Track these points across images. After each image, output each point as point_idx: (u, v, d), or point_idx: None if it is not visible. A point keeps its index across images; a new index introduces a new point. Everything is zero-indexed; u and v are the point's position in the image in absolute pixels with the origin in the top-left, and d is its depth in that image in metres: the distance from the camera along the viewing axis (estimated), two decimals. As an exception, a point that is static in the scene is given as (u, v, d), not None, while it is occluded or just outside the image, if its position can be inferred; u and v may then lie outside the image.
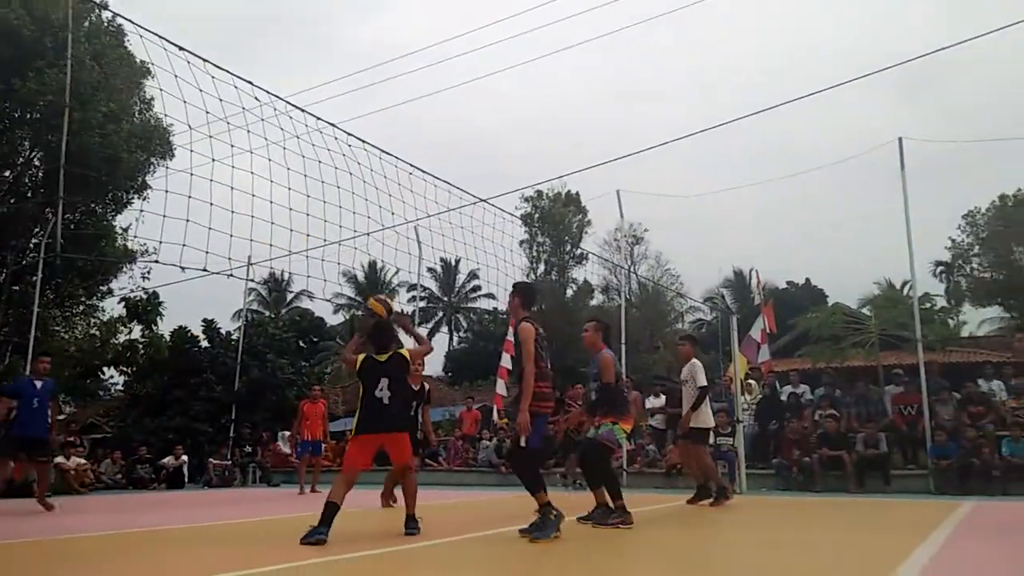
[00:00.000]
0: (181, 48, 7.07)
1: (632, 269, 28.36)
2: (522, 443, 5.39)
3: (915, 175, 12.92)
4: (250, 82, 7.65)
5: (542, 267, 30.29)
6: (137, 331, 20.68)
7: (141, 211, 18.05)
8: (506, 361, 14.19)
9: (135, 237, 19.27)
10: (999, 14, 9.58)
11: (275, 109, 8.10)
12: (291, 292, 37.66)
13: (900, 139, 12.84)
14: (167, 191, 7.39)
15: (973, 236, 26.90)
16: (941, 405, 12.06)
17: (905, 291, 24.93)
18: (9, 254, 18.09)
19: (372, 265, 37.07)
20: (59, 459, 13.44)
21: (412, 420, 5.48)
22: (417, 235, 11.75)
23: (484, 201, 10.92)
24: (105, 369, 21.16)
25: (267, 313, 34.23)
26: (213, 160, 7.64)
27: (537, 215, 29.80)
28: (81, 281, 19.07)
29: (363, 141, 8.66)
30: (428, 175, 9.54)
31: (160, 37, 6.94)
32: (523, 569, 4.48)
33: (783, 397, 13.90)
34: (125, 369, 20.72)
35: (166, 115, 15.35)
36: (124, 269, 19.54)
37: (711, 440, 9.57)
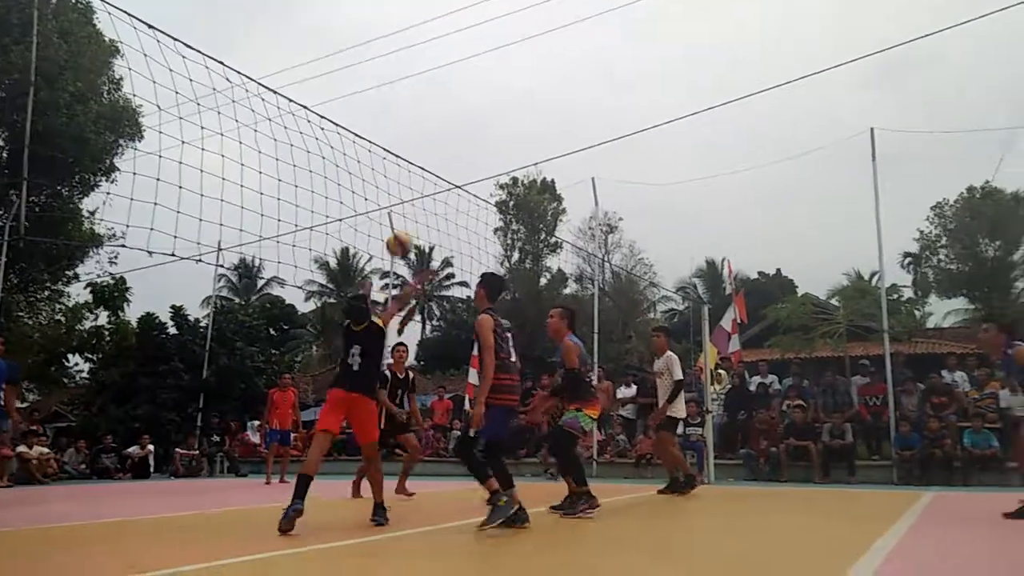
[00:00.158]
0: (151, 27, 6.94)
1: (606, 258, 28.39)
2: (471, 433, 5.42)
3: (887, 165, 13.10)
4: (221, 62, 7.53)
5: (516, 255, 30.20)
6: (103, 317, 20.39)
7: (108, 194, 17.82)
8: (477, 350, 14.12)
9: (102, 220, 18.86)
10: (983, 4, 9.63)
11: (247, 91, 7.99)
12: (261, 279, 37.14)
13: (872, 129, 13.02)
14: (135, 173, 7.28)
15: (941, 227, 27.26)
16: (906, 396, 12.26)
17: (873, 282, 25.26)
18: (-29, 237, 17.65)
19: (345, 252, 36.79)
20: (21, 448, 13.21)
21: (373, 391, 5.54)
22: (391, 221, 11.65)
23: (459, 188, 10.87)
24: (70, 356, 20.81)
25: (237, 300, 33.75)
26: (183, 142, 7.52)
27: (512, 202, 29.67)
28: (46, 265, 18.62)
29: (336, 124, 8.58)
30: (402, 159, 9.48)
31: (129, 15, 6.82)
32: (490, 559, 4.48)
33: (752, 387, 14.02)
34: (90, 356, 20.41)
35: (135, 95, 14.91)
36: (91, 253, 19.12)
37: (679, 430, 9.68)
